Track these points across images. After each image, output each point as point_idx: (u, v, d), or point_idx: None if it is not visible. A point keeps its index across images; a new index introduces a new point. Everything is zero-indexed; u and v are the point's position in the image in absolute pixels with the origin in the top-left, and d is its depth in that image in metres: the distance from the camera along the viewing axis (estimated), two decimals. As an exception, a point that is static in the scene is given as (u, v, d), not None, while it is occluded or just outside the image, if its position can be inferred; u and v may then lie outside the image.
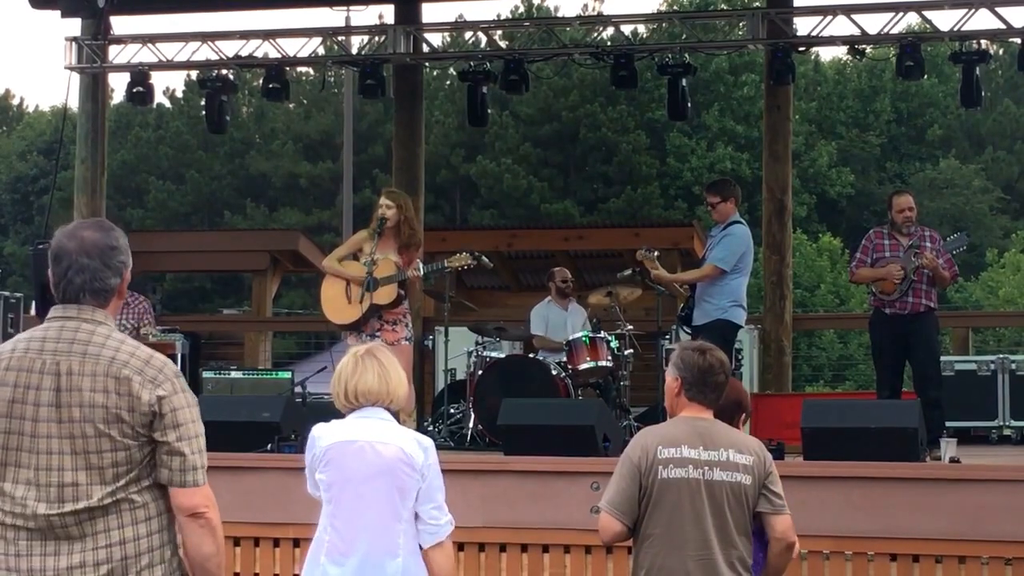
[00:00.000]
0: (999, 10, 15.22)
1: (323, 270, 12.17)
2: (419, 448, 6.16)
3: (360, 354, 6.28)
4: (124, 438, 4.60)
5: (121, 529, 4.60)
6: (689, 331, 12.13)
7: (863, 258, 12.24)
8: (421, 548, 6.15)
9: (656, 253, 12.61)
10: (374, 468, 6.08)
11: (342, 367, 6.27)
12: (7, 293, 15.60)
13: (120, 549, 4.59)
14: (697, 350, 6.35)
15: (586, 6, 46.31)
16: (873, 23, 15.71)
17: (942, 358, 13.46)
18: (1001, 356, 15.31)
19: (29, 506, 4.56)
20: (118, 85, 18.60)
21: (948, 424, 12.60)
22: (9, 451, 4.61)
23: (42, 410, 4.59)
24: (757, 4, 33.39)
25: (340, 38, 17.95)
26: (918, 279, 11.83)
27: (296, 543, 9.95)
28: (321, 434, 6.18)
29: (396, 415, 6.34)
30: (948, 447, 10.58)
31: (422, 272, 11.69)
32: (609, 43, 16.97)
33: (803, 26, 16.07)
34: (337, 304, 11.76)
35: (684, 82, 16.35)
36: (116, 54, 17.43)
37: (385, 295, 11.52)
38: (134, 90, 17.31)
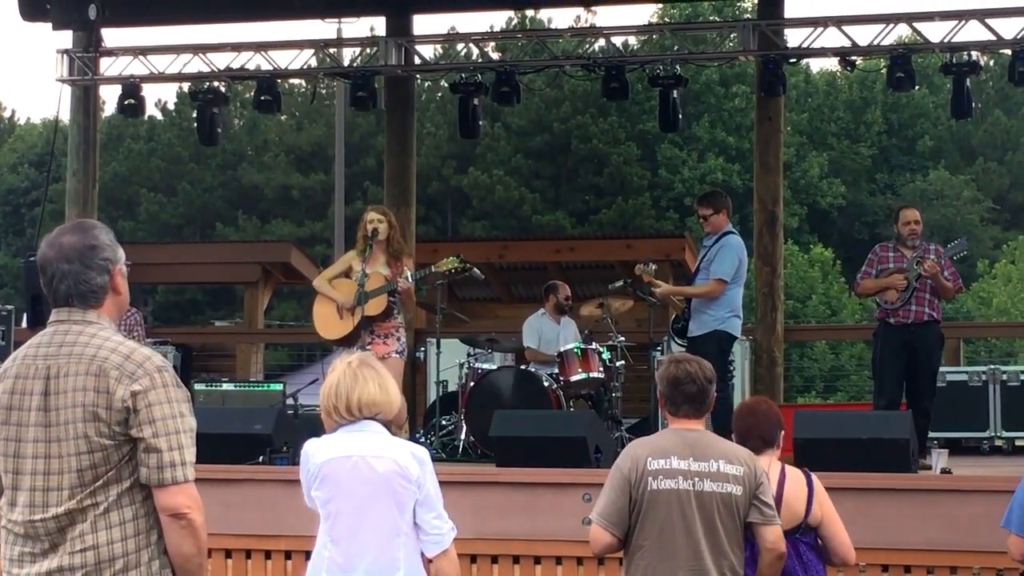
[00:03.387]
0: (990, 22, 15.24)
1: (314, 287, 12.24)
2: (414, 460, 6.13)
3: (355, 365, 6.23)
4: (100, 437, 4.54)
5: (95, 533, 4.55)
6: (681, 343, 12.14)
7: (868, 270, 12.26)
8: (425, 557, 6.16)
9: (654, 267, 12.65)
10: (370, 483, 6.06)
11: (338, 378, 6.20)
12: (-2, 305, 15.58)
13: (94, 553, 4.54)
14: (670, 362, 6.36)
15: (578, 18, 46.41)
16: (864, 34, 15.74)
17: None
18: (992, 367, 15.31)
19: (17, 511, 4.59)
20: (109, 97, 18.64)
21: (939, 435, 12.62)
22: (8, 458, 4.63)
23: (31, 414, 4.60)
24: (748, 16, 33.44)
25: (332, 50, 17.94)
26: (921, 288, 11.86)
27: (288, 555, 9.95)
28: (314, 451, 6.13)
29: (388, 427, 6.32)
30: (940, 458, 10.59)
31: (411, 281, 11.71)
32: (600, 55, 16.98)
33: (794, 37, 16.09)
34: (329, 321, 11.84)
35: (675, 93, 16.36)
36: (107, 66, 17.43)
37: (375, 306, 11.57)
38: (125, 102, 17.30)
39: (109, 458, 4.57)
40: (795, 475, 6.72)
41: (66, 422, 4.56)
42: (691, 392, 6.22)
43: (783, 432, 6.90)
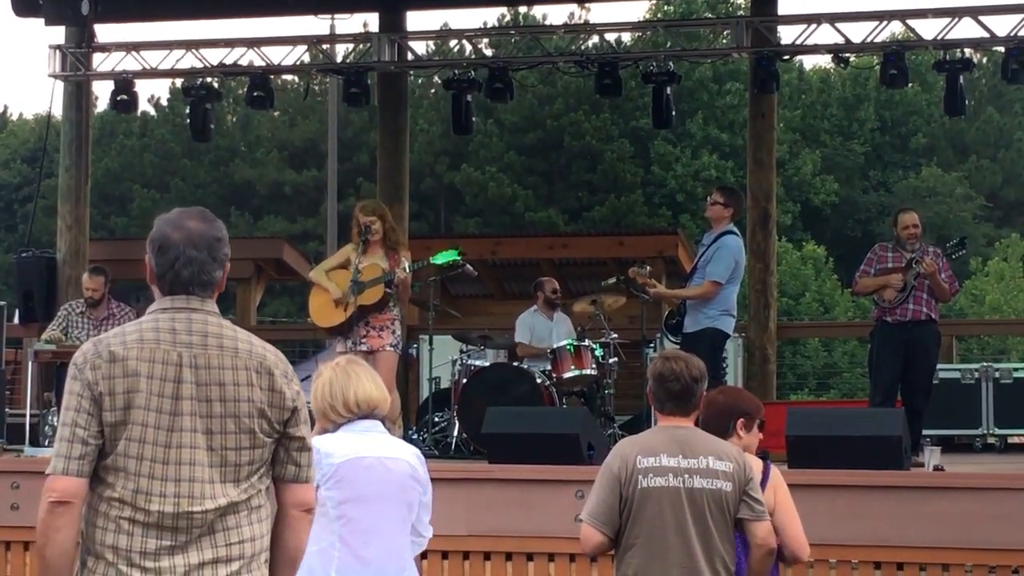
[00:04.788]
0: (983, 19, 15.25)
1: (309, 279, 12.26)
2: (419, 462, 6.21)
3: (343, 364, 6.23)
4: (263, 434, 4.52)
5: (251, 526, 4.51)
6: (674, 339, 12.15)
7: (867, 269, 12.28)
8: None
9: (649, 268, 12.66)
10: (386, 485, 6.08)
11: (330, 379, 6.18)
12: (-9, 301, 15.54)
13: (251, 545, 4.51)
14: (659, 358, 6.35)
15: (572, 15, 46.38)
16: (857, 32, 15.76)
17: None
18: (985, 364, 15.32)
19: (166, 502, 4.43)
20: (102, 93, 18.61)
21: (932, 432, 12.62)
22: (146, 444, 4.44)
23: (183, 403, 4.46)
24: (742, 12, 33.46)
25: (325, 46, 17.93)
26: (919, 287, 11.88)
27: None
28: (331, 450, 6.06)
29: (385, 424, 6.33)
30: (932, 455, 10.59)
31: (408, 271, 11.69)
32: (594, 51, 16.99)
33: (787, 34, 16.12)
34: (325, 310, 11.83)
35: (669, 90, 16.36)
36: (100, 62, 17.41)
37: (371, 295, 11.55)
38: (118, 98, 17.29)
39: (264, 454, 4.55)
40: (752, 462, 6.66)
41: (222, 415, 4.47)
42: (675, 390, 6.20)
43: (740, 420, 6.74)
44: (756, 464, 6.60)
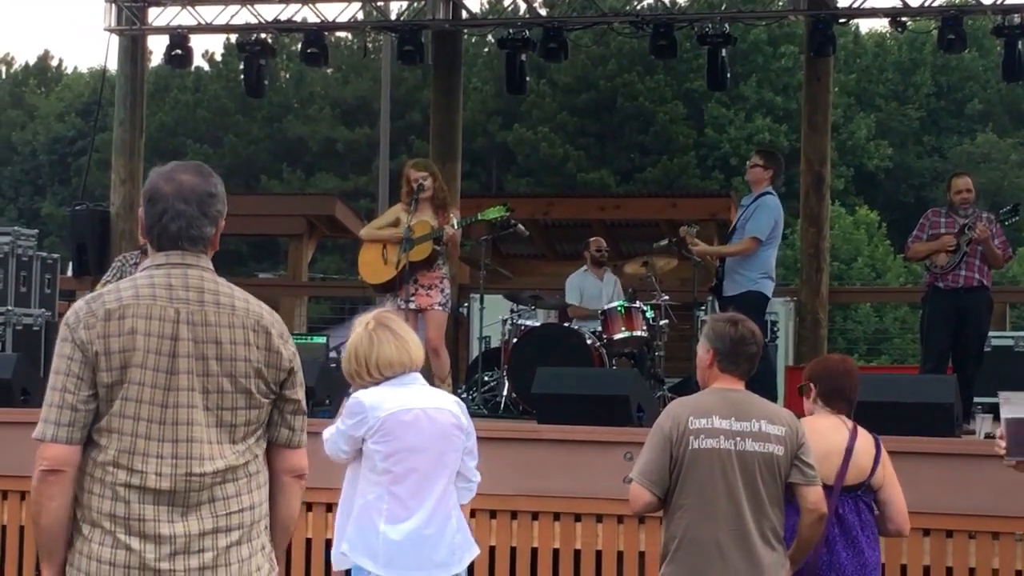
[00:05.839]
0: (1043, -17, 15.12)
1: (361, 238, 12.27)
2: (461, 410, 6.32)
3: (371, 327, 6.25)
4: (259, 395, 4.40)
5: (250, 494, 4.40)
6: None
7: (919, 235, 12.22)
8: None
9: (696, 228, 12.64)
10: (431, 436, 6.16)
11: (356, 342, 6.22)
12: (44, 254, 15.65)
13: (250, 514, 4.40)
14: (729, 321, 6.34)
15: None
16: (915, -5, 15.63)
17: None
18: (1038, 332, 15.22)
19: (163, 463, 4.30)
20: (157, 47, 18.62)
21: (984, 400, 12.55)
22: (142, 404, 4.31)
23: (180, 362, 4.32)
24: (798, -25, 33.19)
25: (379, 3, 17.92)
26: (971, 253, 11.81)
27: (329, 508, 9.96)
28: (375, 403, 6.15)
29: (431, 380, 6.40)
30: (984, 423, 10.53)
31: (457, 226, 11.69)
32: (649, 12, 16.92)
33: (844, -3, 15.99)
34: (374, 266, 11.85)
35: (724, 52, 16.29)
36: (155, 16, 17.46)
37: (421, 251, 11.55)
38: (173, 53, 17.34)
39: (261, 416, 4.44)
40: (865, 434, 6.72)
41: (218, 374, 4.35)
42: (751, 352, 6.26)
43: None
44: (868, 436, 6.65)
